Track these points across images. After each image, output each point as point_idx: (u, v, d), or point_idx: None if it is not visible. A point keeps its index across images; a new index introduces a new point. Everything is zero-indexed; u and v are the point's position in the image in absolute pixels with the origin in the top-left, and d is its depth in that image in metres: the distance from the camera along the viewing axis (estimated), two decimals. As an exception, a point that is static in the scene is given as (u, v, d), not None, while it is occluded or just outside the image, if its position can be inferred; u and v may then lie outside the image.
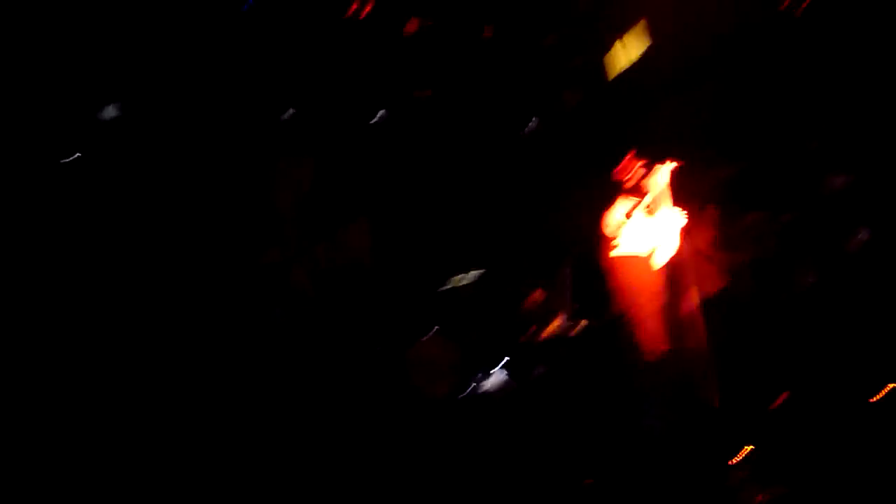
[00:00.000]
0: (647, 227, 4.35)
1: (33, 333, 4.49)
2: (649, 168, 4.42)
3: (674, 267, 4.45)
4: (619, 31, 5.81)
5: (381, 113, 5.86)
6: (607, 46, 5.85)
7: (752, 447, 3.94)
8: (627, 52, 5.86)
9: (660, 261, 4.43)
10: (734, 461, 3.94)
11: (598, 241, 4.66)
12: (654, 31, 5.68)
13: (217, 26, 5.07)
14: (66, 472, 3.96)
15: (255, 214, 5.54)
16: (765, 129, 5.09)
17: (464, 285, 5.70)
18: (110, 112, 5.06)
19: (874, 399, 3.92)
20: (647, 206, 4.38)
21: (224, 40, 5.19)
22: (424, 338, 5.45)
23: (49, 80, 4.91)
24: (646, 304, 4.45)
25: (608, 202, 4.54)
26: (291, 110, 5.54)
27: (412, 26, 5.25)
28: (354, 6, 5.03)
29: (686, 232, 4.37)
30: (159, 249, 5.07)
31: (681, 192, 4.42)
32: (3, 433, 4.05)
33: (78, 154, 4.91)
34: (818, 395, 4.14)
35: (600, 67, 5.92)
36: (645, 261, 4.38)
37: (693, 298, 4.54)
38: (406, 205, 6.12)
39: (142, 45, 5.07)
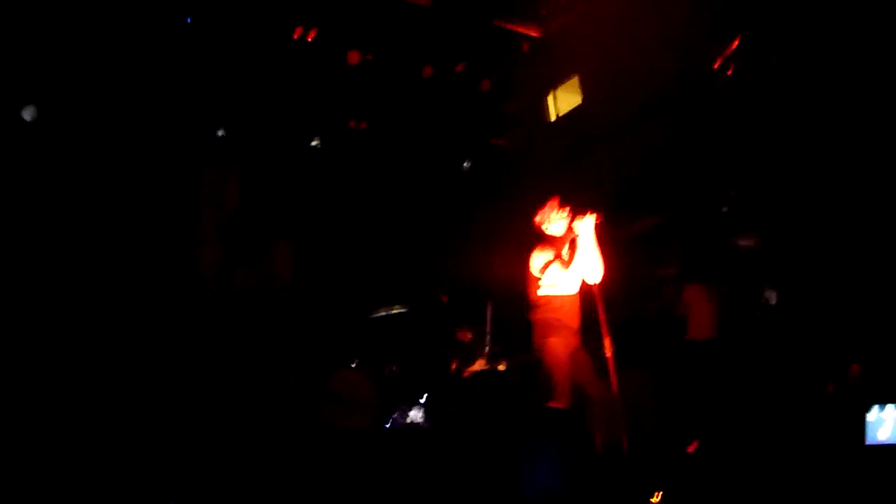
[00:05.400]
0: (567, 272, 4.44)
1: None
2: (573, 215, 4.52)
3: (591, 313, 4.55)
4: (552, 84, 6.03)
5: (315, 140, 5.91)
6: (541, 97, 6.07)
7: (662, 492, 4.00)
8: (558, 104, 6.08)
9: (577, 306, 4.52)
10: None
11: (521, 284, 4.73)
12: (585, 88, 5.90)
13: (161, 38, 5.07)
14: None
15: (179, 228, 5.51)
16: (683, 188, 5.31)
17: (389, 316, 5.70)
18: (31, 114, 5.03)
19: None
20: (569, 252, 4.48)
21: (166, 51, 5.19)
22: (342, 371, 5.41)
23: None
24: (561, 348, 4.51)
25: (534, 246, 4.62)
26: (223, 130, 5.54)
27: (354, 58, 5.33)
28: (300, 30, 5.08)
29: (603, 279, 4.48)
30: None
31: (600, 240, 4.54)
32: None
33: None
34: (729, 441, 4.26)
35: (533, 116, 6.13)
36: (563, 303, 4.46)
37: (607, 346, 4.64)
38: (333, 233, 6.14)
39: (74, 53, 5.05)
